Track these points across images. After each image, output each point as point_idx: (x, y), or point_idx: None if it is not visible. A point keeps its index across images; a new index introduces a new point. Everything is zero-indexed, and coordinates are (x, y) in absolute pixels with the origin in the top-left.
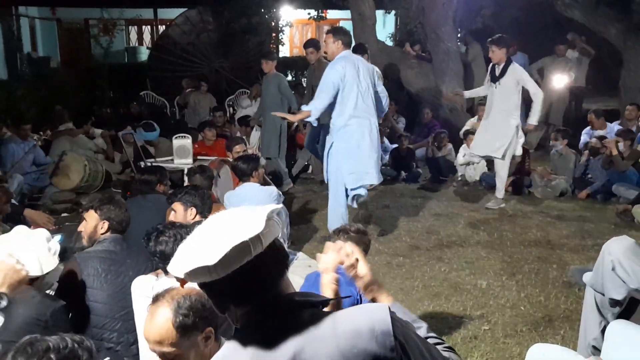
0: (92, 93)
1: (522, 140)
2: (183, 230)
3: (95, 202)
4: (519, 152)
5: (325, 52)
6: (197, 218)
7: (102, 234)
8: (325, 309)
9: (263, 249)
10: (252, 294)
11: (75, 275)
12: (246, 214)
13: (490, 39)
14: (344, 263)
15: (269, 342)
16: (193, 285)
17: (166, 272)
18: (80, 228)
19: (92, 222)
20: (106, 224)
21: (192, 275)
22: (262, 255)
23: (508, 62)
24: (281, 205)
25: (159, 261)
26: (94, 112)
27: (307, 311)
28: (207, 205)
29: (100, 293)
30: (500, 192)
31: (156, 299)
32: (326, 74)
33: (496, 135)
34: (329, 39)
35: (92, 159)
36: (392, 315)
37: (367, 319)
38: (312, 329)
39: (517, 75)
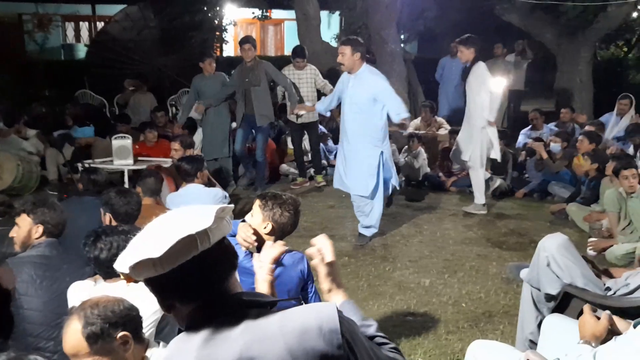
0: (25, 91)
1: (496, 143)
2: (122, 237)
3: (27, 205)
4: (494, 155)
5: (340, 62)
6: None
7: (36, 238)
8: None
9: (210, 245)
10: (198, 290)
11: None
12: (196, 210)
13: (458, 39)
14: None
15: (215, 340)
16: (121, 290)
17: (104, 278)
18: (12, 234)
19: (25, 227)
20: (41, 228)
21: (136, 269)
22: (209, 251)
23: (474, 62)
24: (232, 205)
25: (95, 267)
26: (27, 111)
27: (254, 310)
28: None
29: (35, 300)
30: (477, 198)
31: (70, 312)
32: (384, 83)
33: (463, 139)
34: (346, 50)
35: (25, 159)
36: (340, 313)
37: (315, 317)
38: (259, 327)
39: (480, 75)
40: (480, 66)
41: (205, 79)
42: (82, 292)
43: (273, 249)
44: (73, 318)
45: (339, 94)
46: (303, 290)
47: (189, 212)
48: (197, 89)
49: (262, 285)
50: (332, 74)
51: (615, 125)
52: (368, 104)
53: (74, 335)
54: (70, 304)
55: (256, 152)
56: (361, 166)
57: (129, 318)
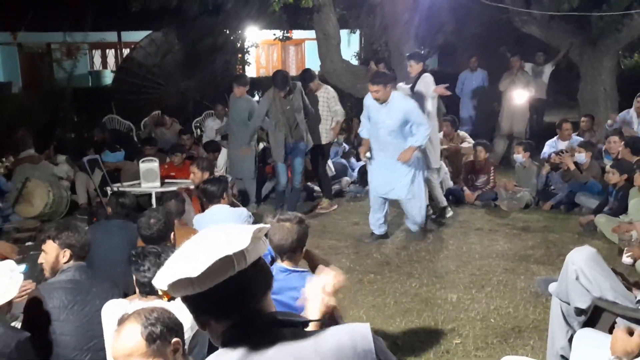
0: (54, 117)
1: (437, 150)
2: (157, 259)
3: (51, 231)
4: (435, 165)
5: (377, 99)
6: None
7: (64, 262)
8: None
9: (247, 266)
10: (233, 309)
11: (39, 306)
12: (233, 230)
13: (408, 54)
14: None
15: (250, 358)
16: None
17: (143, 296)
18: (40, 260)
19: (52, 253)
20: (68, 252)
21: (174, 287)
22: (245, 271)
23: (420, 74)
24: (268, 226)
25: (137, 285)
26: (57, 137)
27: (288, 329)
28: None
29: (67, 325)
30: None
31: (122, 320)
32: (414, 104)
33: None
34: (379, 88)
35: (55, 184)
36: (373, 333)
37: (350, 336)
38: (294, 346)
39: (427, 83)
40: (427, 77)
41: (235, 100)
42: (117, 310)
43: (330, 276)
44: (129, 322)
45: (368, 114)
46: None
47: (226, 231)
48: (229, 106)
49: (313, 312)
50: (354, 91)
51: (636, 123)
52: (402, 126)
53: (131, 335)
54: (105, 323)
55: (294, 177)
56: (404, 173)
57: (179, 328)
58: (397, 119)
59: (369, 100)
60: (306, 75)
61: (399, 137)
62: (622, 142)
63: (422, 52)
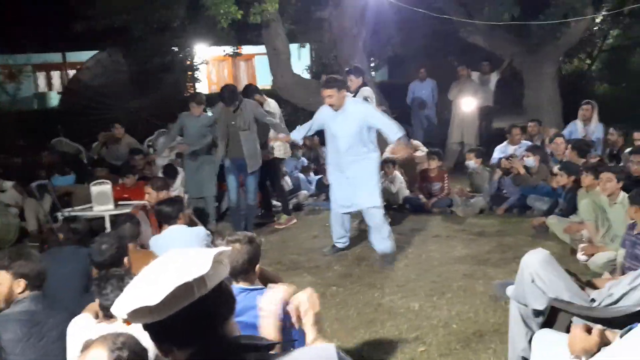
0: None
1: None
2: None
3: (3, 260)
4: None
5: (331, 104)
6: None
7: (19, 293)
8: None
9: (208, 291)
10: (195, 336)
11: None
12: (193, 255)
13: (347, 69)
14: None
15: None
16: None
17: (107, 318)
18: None
19: (5, 283)
20: (22, 282)
21: (134, 315)
22: (206, 296)
23: (359, 88)
24: (229, 249)
25: (101, 309)
26: (1, 162)
27: (252, 354)
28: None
29: (22, 359)
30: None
31: (87, 345)
32: (371, 108)
33: None
34: (332, 92)
35: (2, 212)
36: (339, 354)
37: (316, 359)
38: None
39: (367, 96)
40: (365, 90)
41: (193, 118)
42: (83, 330)
43: (279, 292)
44: (95, 345)
45: (318, 126)
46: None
47: (185, 256)
48: (182, 125)
49: (268, 330)
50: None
51: (583, 131)
52: (361, 132)
53: None
54: (69, 342)
55: (248, 195)
56: (363, 177)
57: (144, 354)
58: (355, 124)
59: (323, 111)
60: (248, 90)
61: (358, 146)
62: (568, 145)
63: (372, 64)
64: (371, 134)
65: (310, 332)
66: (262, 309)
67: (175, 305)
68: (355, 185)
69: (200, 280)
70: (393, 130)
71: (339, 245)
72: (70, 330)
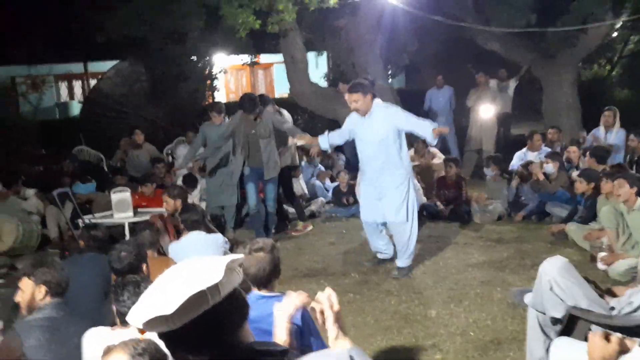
0: (22, 152)
1: None
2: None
3: (27, 267)
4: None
5: (356, 109)
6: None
7: (41, 300)
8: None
9: (221, 299)
10: (209, 343)
11: (16, 348)
12: (206, 263)
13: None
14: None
15: None
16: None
17: (124, 325)
18: (17, 298)
19: (28, 290)
20: (43, 289)
21: (149, 325)
22: (220, 304)
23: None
24: (242, 256)
25: (118, 316)
26: (24, 171)
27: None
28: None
29: None
30: None
31: (108, 350)
32: (399, 111)
33: None
34: (358, 97)
35: (25, 219)
36: (352, 358)
37: None
38: None
39: None
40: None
41: (214, 127)
42: (99, 339)
43: (296, 298)
44: (116, 350)
45: (348, 134)
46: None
47: (198, 265)
48: (205, 135)
49: (281, 333)
50: (324, 113)
51: (604, 138)
52: (388, 137)
53: None
54: (86, 354)
55: (267, 203)
56: (390, 189)
57: (165, 359)
58: (383, 129)
59: (351, 117)
60: (262, 100)
61: (386, 153)
62: (581, 152)
63: (389, 71)
64: (401, 139)
65: (331, 330)
66: (276, 311)
67: (189, 313)
68: (383, 197)
69: (214, 288)
70: (424, 128)
71: (380, 257)
72: (86, 340)
